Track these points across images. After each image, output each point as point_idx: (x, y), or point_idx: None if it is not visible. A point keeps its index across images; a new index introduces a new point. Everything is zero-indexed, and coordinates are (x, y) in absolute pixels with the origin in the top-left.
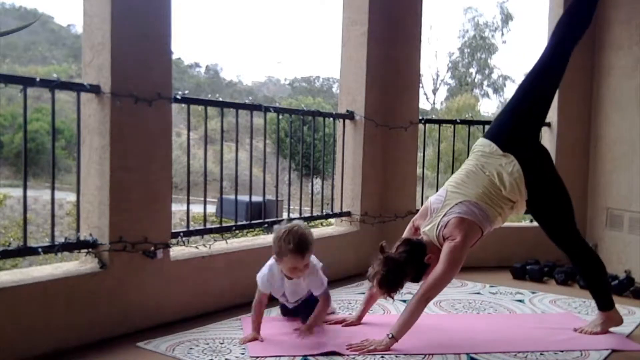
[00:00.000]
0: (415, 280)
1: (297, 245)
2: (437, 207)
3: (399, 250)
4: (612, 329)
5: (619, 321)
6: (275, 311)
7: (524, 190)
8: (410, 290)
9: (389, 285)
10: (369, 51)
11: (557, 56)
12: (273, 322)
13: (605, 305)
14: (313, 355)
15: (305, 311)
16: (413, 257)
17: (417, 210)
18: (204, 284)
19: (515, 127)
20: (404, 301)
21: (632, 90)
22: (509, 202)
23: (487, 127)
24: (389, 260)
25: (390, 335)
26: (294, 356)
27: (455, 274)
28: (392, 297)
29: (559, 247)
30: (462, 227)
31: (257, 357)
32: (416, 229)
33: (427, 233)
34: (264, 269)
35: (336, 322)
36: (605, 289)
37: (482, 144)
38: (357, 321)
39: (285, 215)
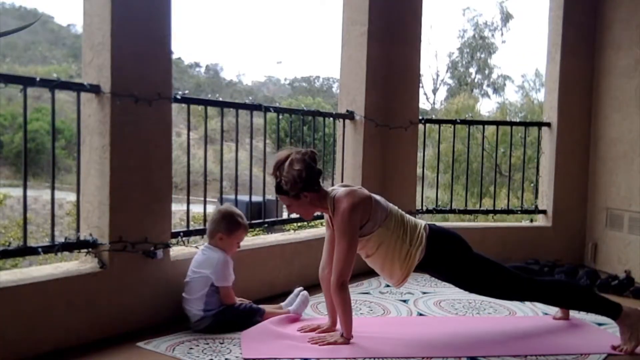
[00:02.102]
0: (278, 189)
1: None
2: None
3: (307, 161)
4: (610, 329)
5: (638, 314)
6: None
7: (415, 260)
8: (410, 290)
9: (277, 166)
10: (369, 51)
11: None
12: (270, 323)
13: (613, 313)
14: (306, 359)
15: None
16: (306, 174)
17: (417, 210)
18: None
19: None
20: (405, 301)
21: (632, 90)
22: (404, 247)
23: (486, 127)
24: (300, 156)
25: (341, 334)
26: (293, 359)
27: (355, 246)
28: (273, 175)
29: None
30: (350, 195)
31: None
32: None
33: (328, 190)
34: (226, 264)
35: (311, 330)
36: (599, 303)
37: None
38: (332, 327)
39: (285, 215)
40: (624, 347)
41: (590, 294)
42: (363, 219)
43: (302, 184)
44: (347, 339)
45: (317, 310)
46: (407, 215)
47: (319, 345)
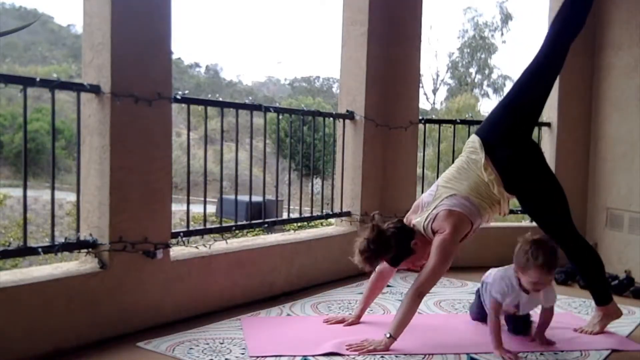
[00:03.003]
0: (394, 262)
1: (546, 261)
2: (428, 201)
3: (389, 225)
4: (612, 329)
5: (617, 314)
6: (275, 311)
7: (504, 193)
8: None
9: (368, 253)
10: (369, 51)
11: (555, 53)
12: (274, 321)
13: (602, 300)
14: (313, 356)
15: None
16: (400, 235)
17: None
18: (204, 284)
19: (507, 125)
20: None
21: (632, 90)
22: (497, 197)
23: None
24: (375, 228)
25: (388, 335)
26: (294, 356)
27: (447, 267)
28: (370, 268)
29: (556, 242)
30: (451, 219)
31: (257, 357)
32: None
33: (417, 225)
34: (500, 281)
35: (336, 322)
36: (603, 284)
37: (472, 140)
38: (357, 320)
39: (285, 216)
40: (586, 329)
41: (604, 271)
42: (464, 231)
43: (391, 252)
44: (393, 339)
45: (317, 311)
46: (471, 159)
47: (359, 353)
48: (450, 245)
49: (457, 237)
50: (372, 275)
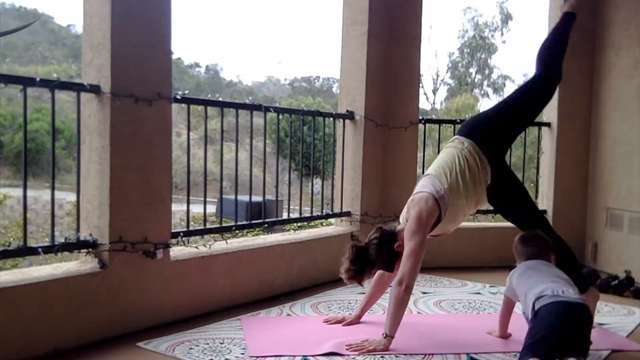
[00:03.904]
0: (388, 268)
1: None
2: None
3: (370, 238)
4: (612, 329)
5: (596, 298)
6: (275, 311)
7: (485, 164)
8: None
9: (355, 273)
10: (369, 51)
11: (545, 81)
12: (274, 321)
13: (583, 288)
14: (313, 356)
15: None
16: (382, 244)
17: None
18: (204, 284)
19: (493, 133)
20: None
21: (632, 90)
22: (477, 185)
23: None
24: (355, 248)
25: (384, 335)
26: (294, 356)
27: (422, 251)
28: (361, 284)
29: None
30: (413, 203)
31: (257, 357)
32: None
33: (401, 221)
34: None
35: (336, 322)
36: (581, 273)
37: (458, 139)
38: (357, 320)
39: (285, 216)
40: None
41: (577, 261)
42: (431, 210)
43: (376, 264)
44: (390, 337)
45: (317, 311)
46: (457, 149)
47: (359, 353)
48: (416, 227)
49: (421, 217)
50: (375, 277)
